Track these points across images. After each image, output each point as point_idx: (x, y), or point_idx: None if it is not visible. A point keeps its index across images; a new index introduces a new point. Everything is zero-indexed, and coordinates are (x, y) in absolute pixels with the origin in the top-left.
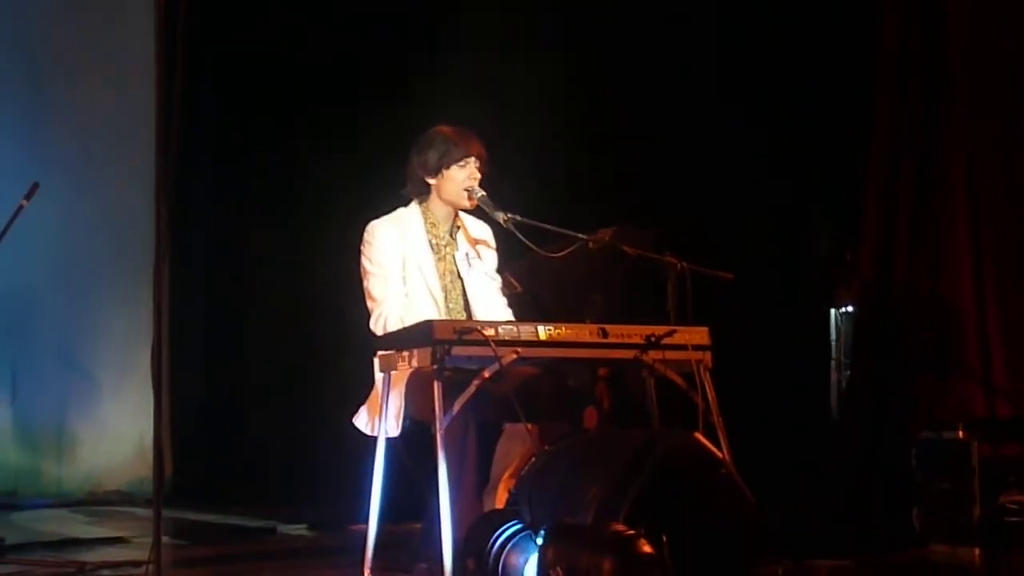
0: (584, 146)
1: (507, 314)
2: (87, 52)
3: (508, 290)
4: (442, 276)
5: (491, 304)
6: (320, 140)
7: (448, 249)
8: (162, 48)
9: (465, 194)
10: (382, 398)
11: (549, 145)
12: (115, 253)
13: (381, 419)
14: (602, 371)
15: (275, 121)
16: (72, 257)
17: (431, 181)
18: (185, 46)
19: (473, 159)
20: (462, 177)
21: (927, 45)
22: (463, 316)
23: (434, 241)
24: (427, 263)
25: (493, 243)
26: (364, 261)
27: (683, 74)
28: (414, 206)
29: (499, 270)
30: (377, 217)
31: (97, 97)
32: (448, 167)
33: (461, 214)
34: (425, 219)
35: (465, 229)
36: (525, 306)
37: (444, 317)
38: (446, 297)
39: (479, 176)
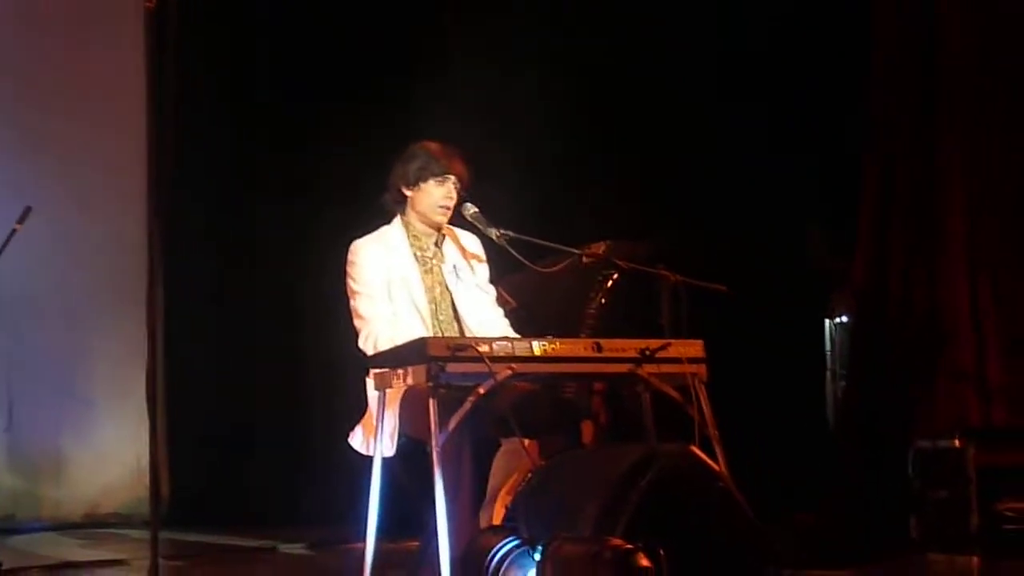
0: (578, 159)
1: (503, 326)
2: (81, 73)
3: (502, 305)
4: (429, 289)
5: (484, 317)
6: (319, 161)
7: (435, 261)
8: (153, 68)
9: (439, 210)
10: (377, 417)
11: (544, 158)
12: (110, 276)
13: (377, 438)
14: (598, 386)
15: (273, 136)
16: (67, 280)
17: (407, 192)
18: (177, 65)
19: (453, 178)
20: (438, 193)
21: (921, 55)
22: (453, 329)
23: (419, 254)
24: (413, 277)
25: (484, 255)
26: (350, 281)
27: (679, 86)
28: (396, 222)
29: (493, 283)
30: (361, 236)
31: (92, 120)
32: (426, 180)
33: (452, 227)
34: (408, 233)
35: (455, 239)
36: (522, 321)
37: (432, 332)
38: (436, 310)
39: (455, 197)
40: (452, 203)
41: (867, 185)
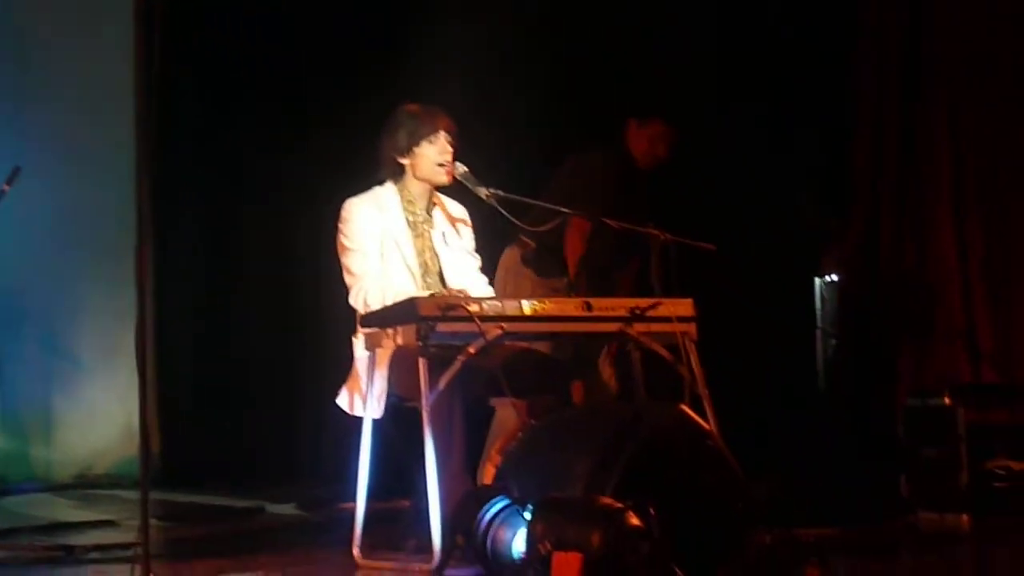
0: (566, 118)
1: (488, 292)
2: (69, 34)
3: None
4: (420, 253)
5: (470, 281)
6: (302, 118)
7: (425, 226)
8: (141, 30)
9: (440, 169)
10: (367, 377)
11: (528, 118)
12: (99, 234)
13: (367, 398)
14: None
15: (257, 97)
16: (55, 240)
17: (404, 161)
18: (164, 26)
19: (443, 133)
20: (433, 152)
21: (909, 17)
22: (440, 292)
23: (411, 219)
24: (404, 240)
25: (469, 221)
26: (341, 238)
27: (669, 49)
28: (390, 184)
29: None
30: (355, 195)
31: (80, 78)
32: (418, 144)
33: (437, 193)
34: (402, 197)
35: (443, 207)
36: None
37: (422, 292)
38: (425, 273)
39: (451, 149)
40: (450, 156)
41: (858, 143)
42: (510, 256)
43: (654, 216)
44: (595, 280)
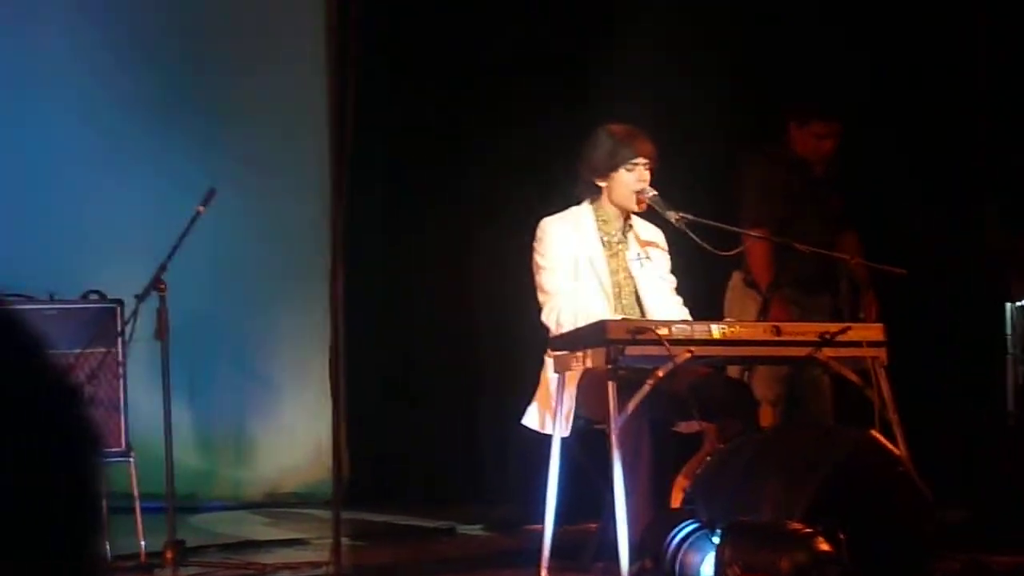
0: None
1: (683, 314)
2: (261, 53)
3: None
4: (614, 273)
5: (664, 303)
6: (494, 143)
7: (620, 247)
8: (334, 50)
9: (634, 196)
10: (556, 399)
11: (719, 143)
12: (291, 256)
13: (556, 419)
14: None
15: (446, 116)
16: (249, 261)
17: (601, 183)
18: (358, 44)
19: (642, 160)
20: (631, 179)
21: None
22: (635, 314)
23: (606, 239)
24: (599, 260)
25: (665, 245)
26: (536, 257)
27: (845, 70)
28: (586, 204)
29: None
30: (549, 215)
31: (275, 98)
32: (616, 169)
33: (632, 216)
34: (597, 216)
35: (636, 229)
36: None
37: (616, 314)
38: (619, 293)
39: (648, 177)
40: (646, 184)
41: None
42: (737, 278)
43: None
44: (801, 298)
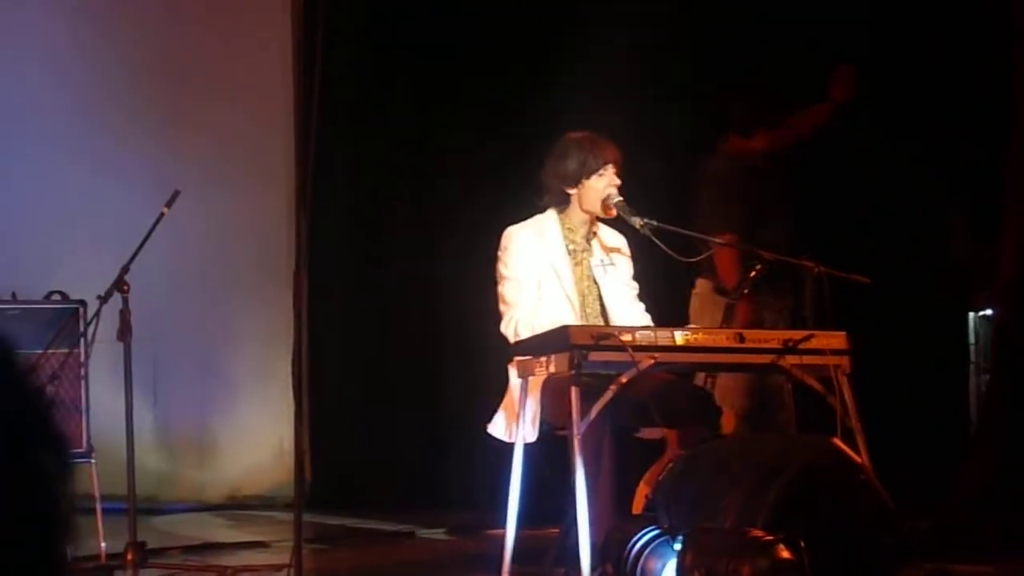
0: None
1: (645, 320)
2: (227, 57)
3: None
4: (579, 281)
5: (628, 310)
6: (459, 150)
7: (584, 255)
8: (299, 55)
9: (605, 203)
10: (519, 404)
11: (684, 148)
12: (254, 258)
13: (518, 425)
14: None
15: (409, 122)
16: (211, 262)
17: (571, 191)
18: (323, 51)
19: (611, 167)
20: (601, 186)
21: None
22: (600, 321)
23: (571, 247)
24: (564, 268)
25: (627, 251)
26: (500, 266)
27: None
28: (551, 212)
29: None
30: (515, 223)
31: (237, 101)
32: (588, 177)
33: (598, 222)
34: (563, 225)
35: (599, 237)
36: None
37: (581, 322)
38: (584, 301)
39: (618, 182)
40: (616, 190)
41: (1011, 171)
42: (703, 285)
43: (808, 248)
44: (768, 300)
